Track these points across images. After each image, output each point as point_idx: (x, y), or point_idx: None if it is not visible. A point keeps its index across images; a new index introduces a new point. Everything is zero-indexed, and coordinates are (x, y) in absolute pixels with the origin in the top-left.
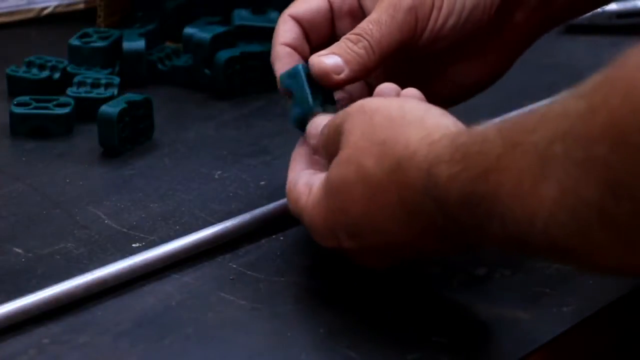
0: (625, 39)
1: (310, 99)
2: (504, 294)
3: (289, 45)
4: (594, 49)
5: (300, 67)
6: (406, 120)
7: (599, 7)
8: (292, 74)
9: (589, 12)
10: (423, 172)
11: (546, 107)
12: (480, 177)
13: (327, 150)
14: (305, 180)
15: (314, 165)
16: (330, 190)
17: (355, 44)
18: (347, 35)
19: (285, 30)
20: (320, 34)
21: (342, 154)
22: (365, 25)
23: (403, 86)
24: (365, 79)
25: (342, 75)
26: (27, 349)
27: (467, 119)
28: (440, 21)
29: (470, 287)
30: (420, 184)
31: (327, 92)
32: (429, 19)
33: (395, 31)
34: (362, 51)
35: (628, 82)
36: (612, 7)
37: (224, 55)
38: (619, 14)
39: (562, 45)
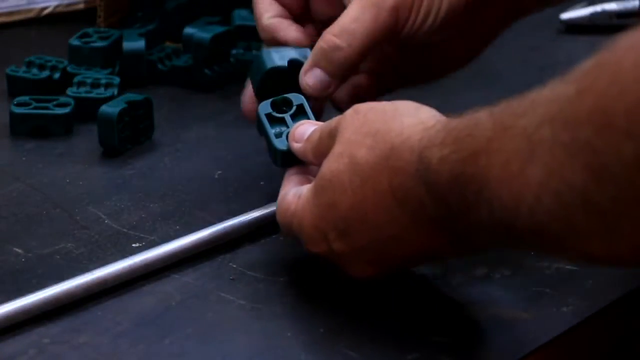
0: None
1: (275, 144)
2: (504, 294)
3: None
4: (594, 49)
5: (260, 109)
6: (399, 112)
7: None
8: (257, 123)
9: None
10: (415, 156)
11: (537, 92)
12: (469, 158)
13: (319, 153)
14: (294, 192)
15: (304, 184)
16: (321, 186)
17: (334, 51)
18: (327, 41)
19: (266, 8)
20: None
21: (334, 150)
22: (347, 25)
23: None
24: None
25: (331, 88)
26: (27, 349)
27: None
28: (418, 22)
29: (469, 287)
30: (412, 168)
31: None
32: (408, 19)
33: (377, 32)
34: (341, 60)
35: (616, 64)
36: (612, 7)
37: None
38: (619, 14)
39: (562, 45)
